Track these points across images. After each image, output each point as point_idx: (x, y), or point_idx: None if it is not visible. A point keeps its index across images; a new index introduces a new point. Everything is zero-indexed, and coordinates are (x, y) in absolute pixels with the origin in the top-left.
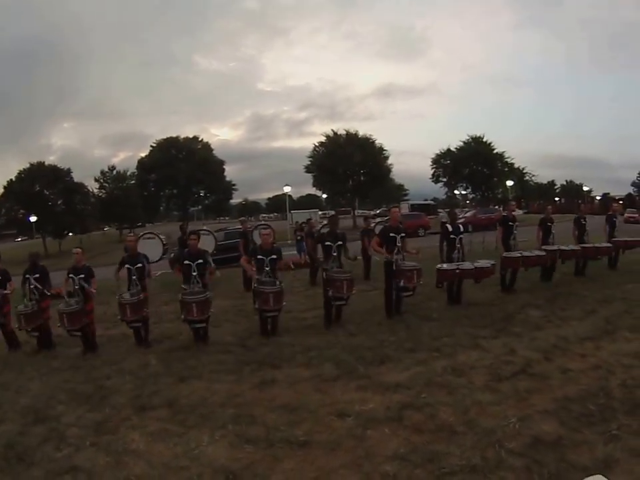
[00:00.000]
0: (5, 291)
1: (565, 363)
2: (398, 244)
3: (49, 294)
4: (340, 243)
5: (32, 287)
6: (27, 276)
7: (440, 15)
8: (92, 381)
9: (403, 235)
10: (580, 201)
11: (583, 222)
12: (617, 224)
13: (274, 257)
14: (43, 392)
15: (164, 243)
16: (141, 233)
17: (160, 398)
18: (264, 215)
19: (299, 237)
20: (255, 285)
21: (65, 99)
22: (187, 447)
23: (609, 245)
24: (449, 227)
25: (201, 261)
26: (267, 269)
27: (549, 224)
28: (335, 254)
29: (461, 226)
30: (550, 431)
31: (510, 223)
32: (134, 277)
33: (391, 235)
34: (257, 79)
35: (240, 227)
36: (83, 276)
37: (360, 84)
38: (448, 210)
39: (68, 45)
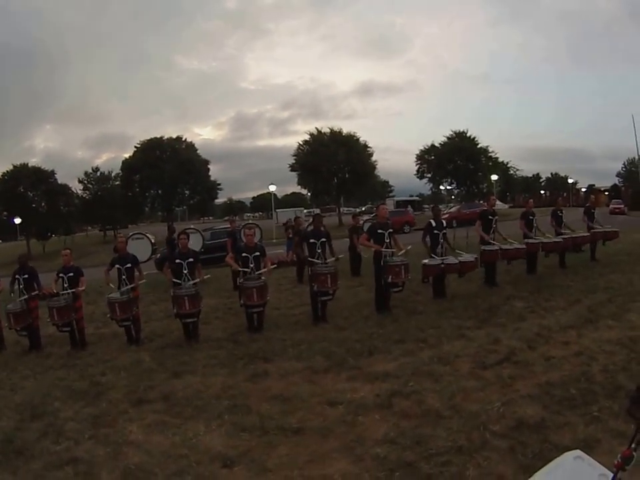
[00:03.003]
0: None
1: (548, 351)
2: (386, 240)
3: (40, 293)
4: (324, 240)
5: (21, 287)
6: (17, 277)
7: (418, 12)
8: (87, 377)
9: (391, 231)
10: (564, 194)
11: (560, 214)
12: (596, 215)
13: (257, 254)
14: (38, 389)
15: (152, 242)
16: (130, 233)
17: (155, 392)
18: (248, 214)
19: (290, 235)
20: (240, 282)
21: (47, 101)
22: (185, 436)
23: (585, 234)
24: (433, 223)
25: (191, 259)
26: (252, 265)
27: (531, 217)
28: (319, 251)
29: (444, 221)
30: (533, 414)
31: (490, 217)
32: (124, 277)
33: (379, 231)
34: (240, 78)
35: (228, 226)
36: (72, 275)
37: (341, 82)
38: (432, 206)
39: (45, 46)
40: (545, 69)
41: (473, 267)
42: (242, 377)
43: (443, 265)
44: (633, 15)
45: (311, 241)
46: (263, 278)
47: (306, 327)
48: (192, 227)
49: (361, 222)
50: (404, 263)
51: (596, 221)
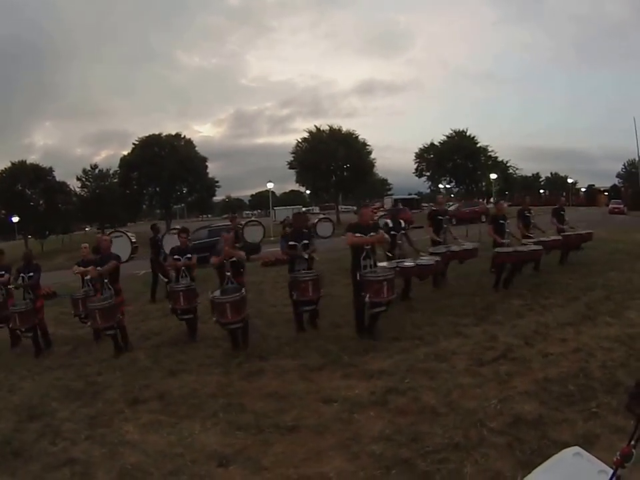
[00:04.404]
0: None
1: (546, 348)
2: (366, 247)
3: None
4: (305, 242)
5: (26, 285)
6: (22, 274)
7: (422, 10)
8: (83, 377)
9: (373, 235)
10: (564, 193)
11: (528, 215)
12: (566, 217)
13: (234, 260)
14: (35, 390)
15: (132, 241)
16: (108, 232)
17: (151, 391)
18: (247, 212)
19: (287, 233)
20: (212, 296)
21: (46, 98)
22: (180, 435)
23: (556, 237)
24: (390, 223)
25: (189, 256)
26: (228, 274)
27: (501, 221)
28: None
29: (402, 221)
30: (531, 410)
31: (439, 218)
32: (106, 281)
33: (359, 235)
34: (240, 76)
35: (229, 223)
36: (99, 268)
37: (342, 80)
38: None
39: (47, 43)
40: (550, 68)
41: (432, 271)
42: (237, 375)
43: (397, 269)
44: None
45: (291, 243)
46: (242, 290)
47: None
48: (177, 227)
49: (376, 217)
50: (387, 277)
51: (566, 222)
